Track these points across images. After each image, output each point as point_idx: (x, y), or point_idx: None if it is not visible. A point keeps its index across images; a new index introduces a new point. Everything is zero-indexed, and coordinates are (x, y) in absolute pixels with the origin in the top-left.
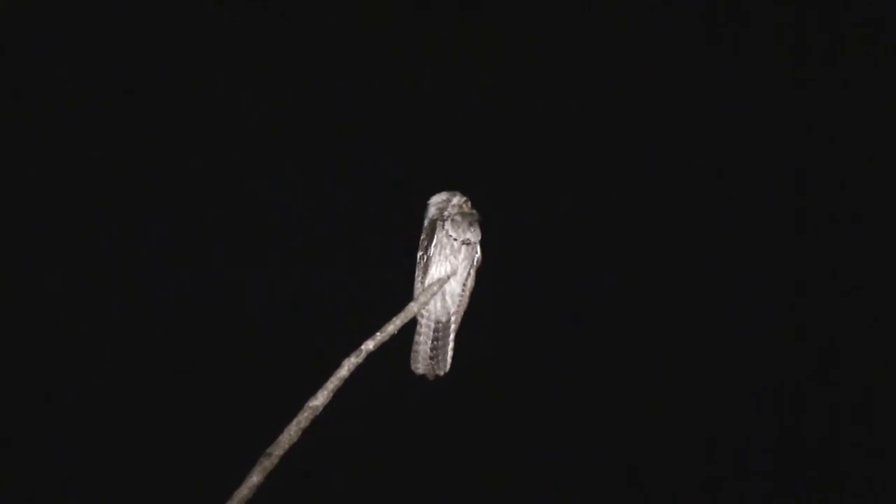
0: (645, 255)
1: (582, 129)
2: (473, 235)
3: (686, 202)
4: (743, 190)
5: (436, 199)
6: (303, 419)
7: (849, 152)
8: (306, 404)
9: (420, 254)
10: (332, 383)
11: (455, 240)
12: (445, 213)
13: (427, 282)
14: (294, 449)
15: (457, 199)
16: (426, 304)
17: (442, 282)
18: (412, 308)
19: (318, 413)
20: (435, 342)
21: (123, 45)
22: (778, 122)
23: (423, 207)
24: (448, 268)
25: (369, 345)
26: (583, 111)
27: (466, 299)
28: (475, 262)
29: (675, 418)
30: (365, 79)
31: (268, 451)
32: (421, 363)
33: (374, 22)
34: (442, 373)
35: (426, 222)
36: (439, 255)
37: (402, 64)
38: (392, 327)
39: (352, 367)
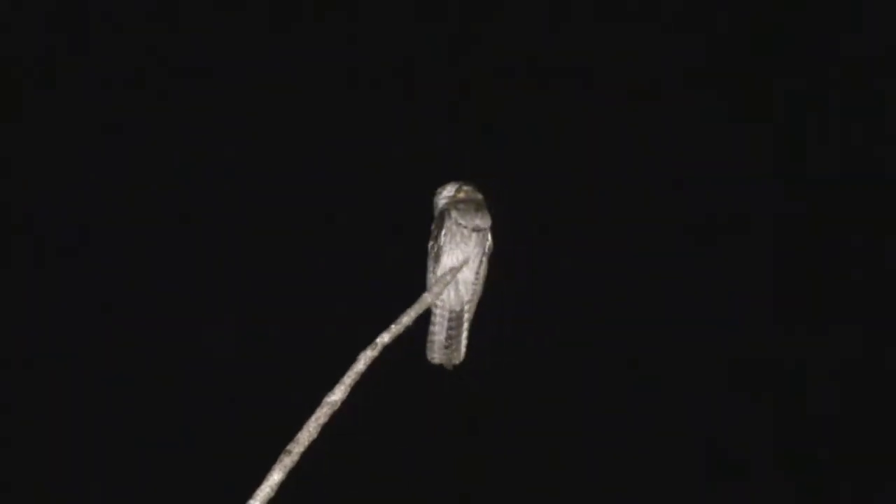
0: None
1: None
2: (483, 221)
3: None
4: (744, 188)
5: (443, 189)
6: (321, 415)
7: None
8: (324, 400)
9: (431, 244)
10: (350, 378)
11: (464, 227)
12: (451, 201)
13: (439, 271)
14: (314, 445)
15: (460, 186)
16: (440, 294)
17: (455, 271)
18: (426, 299)
19: (336, 408)
20: (450, 331)
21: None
22: (778, 121)
23: (432, 198)
24: (460, 256)
25: (385, 337)
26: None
27: (480, 287)
28: (487, 250)
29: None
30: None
31: (288, 448)
32: (437, 353)
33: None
34: (457, 362)
35: (436, 212)
36: (450, 243)
37: (400, 58)
38: (407, 319)
39: (368, 361)
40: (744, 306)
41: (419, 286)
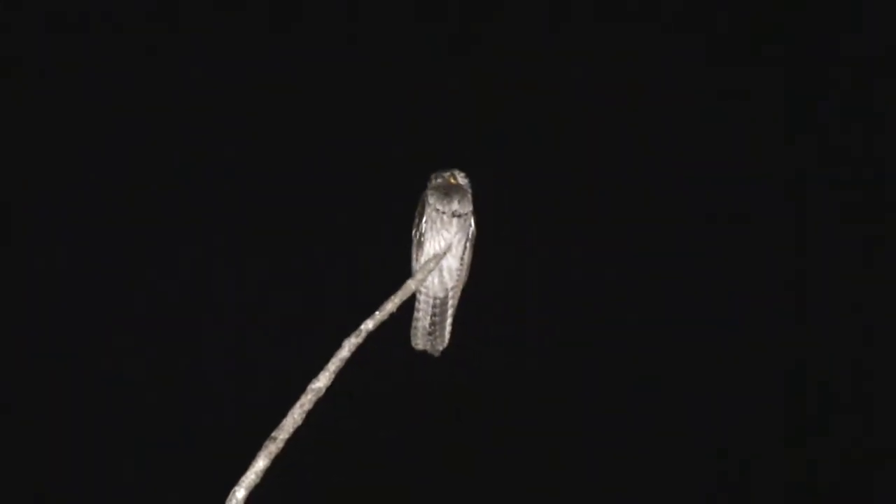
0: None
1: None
2: (461, 207)
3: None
4: (744, 188)
5: (431, 177)
6: (306, 402)
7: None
8: (309, 387)
9: (413, 232)
10: (334, 364)
11: (443, 213)
12: (430, 188)
13: (423, 258)
14: (299, 431)
15: (445, 174)
16: (424, 280)
17: (438, 257)
18: (410, 285)
19: (320, 395)
20: (433, 318)
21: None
22: (778, 121)
23: (420, 186)
24: (442, 242)
25: (369, 324)
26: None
27: (465, 273)
28: (469, 235)
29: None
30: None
31: (272, 435)
32: (420, 339)
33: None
34: (441, 348)
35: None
36: (431, 230)
37: (401, 58)
38: (391, 305)
39: (352, 348)
40: (744, 306)
41: (404, 273)
